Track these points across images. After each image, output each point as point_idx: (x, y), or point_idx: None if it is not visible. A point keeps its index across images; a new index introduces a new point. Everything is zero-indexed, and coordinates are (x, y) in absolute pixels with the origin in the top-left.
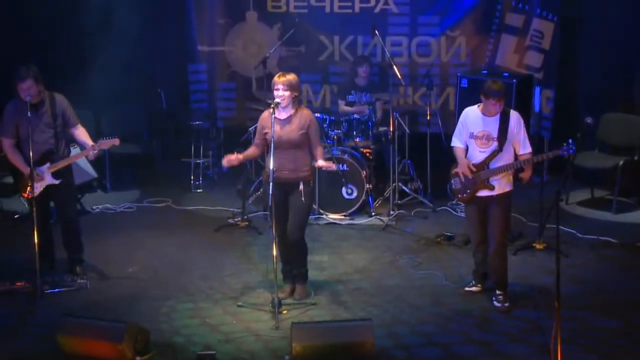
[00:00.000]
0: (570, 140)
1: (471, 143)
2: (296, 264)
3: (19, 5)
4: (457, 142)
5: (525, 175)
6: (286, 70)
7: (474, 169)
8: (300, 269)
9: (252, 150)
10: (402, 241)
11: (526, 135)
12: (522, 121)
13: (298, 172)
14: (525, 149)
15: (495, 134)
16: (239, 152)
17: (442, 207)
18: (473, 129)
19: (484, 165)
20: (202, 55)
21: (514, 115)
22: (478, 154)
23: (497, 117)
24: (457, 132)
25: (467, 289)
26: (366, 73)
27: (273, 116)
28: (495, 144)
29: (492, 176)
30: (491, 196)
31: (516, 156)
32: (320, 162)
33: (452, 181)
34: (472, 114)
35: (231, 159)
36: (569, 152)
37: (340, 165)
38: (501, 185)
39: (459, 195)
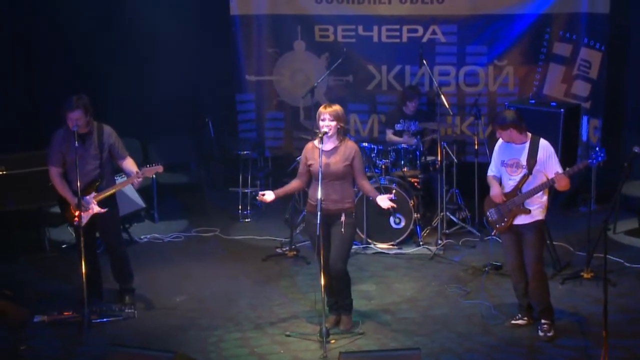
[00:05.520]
0: (597, 148)
1: (502, 171)
2: (340, 296)
3: (69, 35)
4: (491, 171)
5: (561, 184)
6: (334, 100)
7: (505, 198)
8: (344, 300)
9: (295, 184)
10: (450, 270)
11: (557, 160)
12: (551, 149)
13: (342, 203)
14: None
15: (524, 162)
16: (286, 182)
17: (490, 237)
18: (503, 157)
19: (516, 191)
20: (250, 84)
21: (543, 144)
22: (508, 182)
23: (526, 145)
24: (492, 161)
25: (513, 322)
26: (414, 107)
27: (321, 146)
28: (524, 170)
29: (526, 199)
30: (524, 224)
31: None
32: (381, 201)
33: (488, 213)
34: (503, 142)
35: (264, 197)
36: (598, 159)
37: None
38: (535, 214)
39: (497, 226)
